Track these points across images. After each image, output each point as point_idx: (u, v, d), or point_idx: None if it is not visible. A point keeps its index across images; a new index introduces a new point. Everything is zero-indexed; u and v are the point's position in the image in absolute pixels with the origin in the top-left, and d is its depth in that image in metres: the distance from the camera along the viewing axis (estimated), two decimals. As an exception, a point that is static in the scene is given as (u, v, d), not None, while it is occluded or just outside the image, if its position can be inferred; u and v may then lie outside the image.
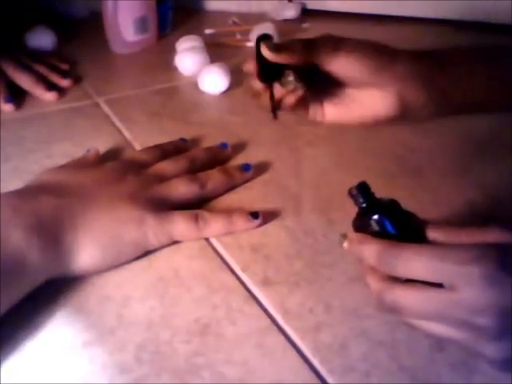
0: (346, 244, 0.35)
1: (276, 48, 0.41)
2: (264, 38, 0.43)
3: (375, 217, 0.34)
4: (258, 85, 0.43)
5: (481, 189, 0.48)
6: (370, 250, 0.33)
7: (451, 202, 0.46)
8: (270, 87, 0.43)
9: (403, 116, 0.44)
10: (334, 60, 0.41)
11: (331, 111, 0.45)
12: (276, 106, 0.44)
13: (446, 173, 0.51)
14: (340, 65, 0.42)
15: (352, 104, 0.45)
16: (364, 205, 0.35)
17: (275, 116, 0.44)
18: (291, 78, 0.43)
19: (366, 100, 0.44)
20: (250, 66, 0.43)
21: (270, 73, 0.43)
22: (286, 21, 0.94)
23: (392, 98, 0.43)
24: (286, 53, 0.41)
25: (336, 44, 0.41)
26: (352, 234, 0.35)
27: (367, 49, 0.42)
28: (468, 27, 0.88)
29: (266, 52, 0.41)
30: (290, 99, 0.43)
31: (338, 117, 0.46)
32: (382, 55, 0.43)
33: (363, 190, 0.35)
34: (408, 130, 0.58)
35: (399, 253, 0.31)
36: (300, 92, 0.43)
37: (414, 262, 0.30)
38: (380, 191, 0.36)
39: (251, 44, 0.83)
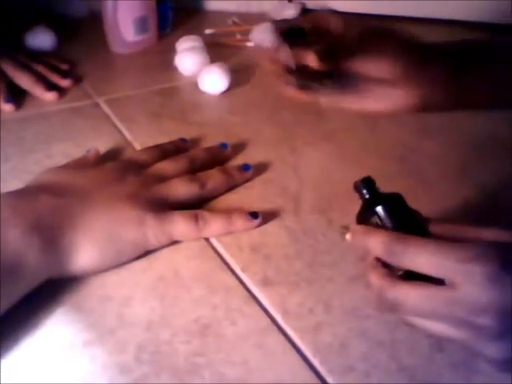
0: (348, 236, 0.35)
1: (323, 58, 0.42)
2: (292, 32, 0.43)
3: (379, 208, 0.34)
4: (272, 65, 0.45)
5: (480, 189, 0.48)
6: (377, 241, 0.33)
7: (451, 201, 0.46)
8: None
9: (418, 111, 0.46)
10: (365, 63, 0.44)
11: (346, 98, 0.47)
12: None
13: (446, 172, 0.51)
14: (371, 68, 0.45)
15: (369, 96, 0.46)
16: (367, 196, 0.35)
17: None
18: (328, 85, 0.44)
19: (386, 96, 0.46)
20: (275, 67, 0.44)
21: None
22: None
23: (413, 99, 0.45)
24: (330, 62, 0.43)
25: (369, 47, 0.44)
26: (355, 226, 0.35)
27: (398, 53, 0.44)
28: (469, 27, 0.88)
29: (313, 62, 0.42)
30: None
31: (351, 105, 0.47)
32: (412, 59, 0.45)
33: (368, 183, 0.35)
34: (408, 130, 0.58)
35: (406, 244, 0.31)
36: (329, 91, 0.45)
37: (420, 255, 0.31)
38: (380, 191, 0.36)
39: (251, 44, 0.83)
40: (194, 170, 0.47)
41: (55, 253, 0.37)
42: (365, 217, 0.35)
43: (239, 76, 0.68)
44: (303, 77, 0.44)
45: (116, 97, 0.66)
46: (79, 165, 0.47)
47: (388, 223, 0.34)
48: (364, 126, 0.58)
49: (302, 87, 0.44)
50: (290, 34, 0.44)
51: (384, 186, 0.36)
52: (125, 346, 0.34)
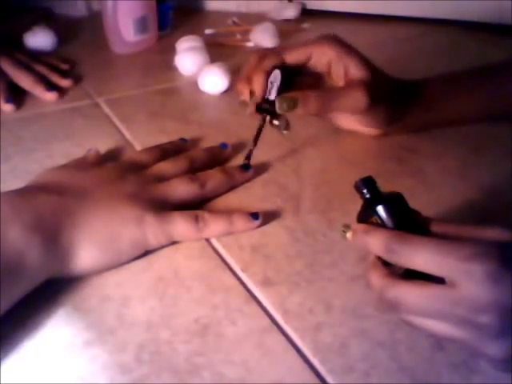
0: (349, 235, 0.35)
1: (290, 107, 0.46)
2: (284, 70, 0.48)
3: (379, 207, 0.34)
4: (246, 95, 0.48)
5: (481, 189, 0.48)
6: (377, 240, 0.32)
7: (451, 202, 0.46)
8: (263, 120, 0.49)
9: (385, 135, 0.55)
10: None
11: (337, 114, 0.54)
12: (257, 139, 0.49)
13: (446, 173, 0.51)
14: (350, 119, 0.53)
15: (345, 117, 0.54)
16: (368, 196, 0.35)
17: (255, 144, 0.49)
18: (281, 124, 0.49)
19: (353, 121, 0.53)
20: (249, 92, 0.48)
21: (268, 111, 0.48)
22: (285, 21, 0.95)
23: (381, 132, 0.55)
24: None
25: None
26: (356, 225, 0.35)
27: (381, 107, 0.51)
28: (469, 27, 0.88)
29: (277, 108, 0.46)
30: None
31: (328, 118, 0.55)
32: (395, 113, 0.52)
33: (369, 183, 0.35)
34: (408, 130, 0.58)
35: (407, 243, 0.31)
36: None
37: (420, 254, 0.30)
38: (380, 191, 0.36)
39: (251, 44, 0.83)
40: (193, 170, 0.47)
41: (55, 252, 0.37)
42: (365, 216, 0.35)
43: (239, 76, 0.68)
44: (265, 108, 0.48)
45: (116, 97, 0.66)
46: (79, 164, 0.47)
47: (388, 223, 0.34)
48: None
49: (259, 112, 0.48)
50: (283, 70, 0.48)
51: (384, 186, 0.36)
52: (125, 346, 0.34)
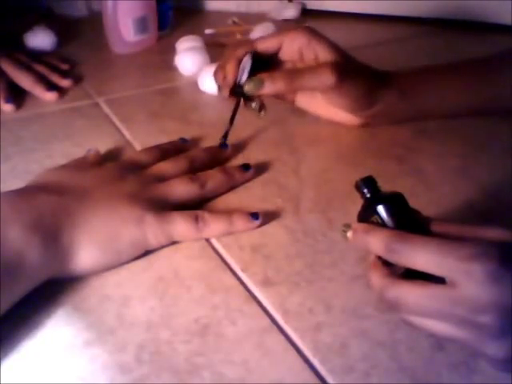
0: (349, 234, 0.35)
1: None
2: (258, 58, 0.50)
3: (380, 207, 0.34)
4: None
5: (481, 188, 0.48)
6: (378, 239, 0.32)
7: (451, 202, 0.46)
8: (237, 101, 0.52)
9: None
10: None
11: (303, 99, 0.55)
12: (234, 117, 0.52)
13: (447, 172, 0.51)
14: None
15: (322, 104, 0.54)
16: (368, 195, 0.35)
17: (231, 124, 0.52)
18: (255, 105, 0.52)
19: (335, 110, 0.54)
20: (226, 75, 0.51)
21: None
22: (285, 21, 0.95)
23: (359, 121, 0.55)
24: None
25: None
26: (356, 224, 0.35)
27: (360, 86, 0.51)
28: (469, 27, 0.88)
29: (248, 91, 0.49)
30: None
31: (306, 106, 0.56)
32: (366, 96, 0.52)
33: (369, 182, 0.35)
34: (408, 130, 0.58)
35: (407, 242, 0.31)
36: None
37: (421, 254, 0.30)
38: (380, 191, 0.36)
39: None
40: (193, 170, 0.47)
41: (55, 252, 0.36)
42: (366, 216, 0.35)
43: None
44: (238, 91, 0.51)
45: (116, 97, 0.66)
46: (79, 164, 0.47)
47: (389, 222, 0.34)
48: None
49: (234, 96, 0.52)
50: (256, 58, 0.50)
51: (384, 186, 0.36)
52: (125, 346, 0.34)
